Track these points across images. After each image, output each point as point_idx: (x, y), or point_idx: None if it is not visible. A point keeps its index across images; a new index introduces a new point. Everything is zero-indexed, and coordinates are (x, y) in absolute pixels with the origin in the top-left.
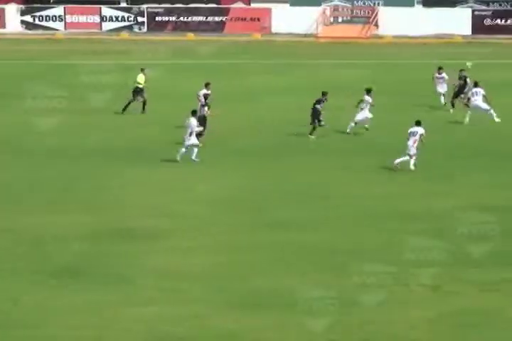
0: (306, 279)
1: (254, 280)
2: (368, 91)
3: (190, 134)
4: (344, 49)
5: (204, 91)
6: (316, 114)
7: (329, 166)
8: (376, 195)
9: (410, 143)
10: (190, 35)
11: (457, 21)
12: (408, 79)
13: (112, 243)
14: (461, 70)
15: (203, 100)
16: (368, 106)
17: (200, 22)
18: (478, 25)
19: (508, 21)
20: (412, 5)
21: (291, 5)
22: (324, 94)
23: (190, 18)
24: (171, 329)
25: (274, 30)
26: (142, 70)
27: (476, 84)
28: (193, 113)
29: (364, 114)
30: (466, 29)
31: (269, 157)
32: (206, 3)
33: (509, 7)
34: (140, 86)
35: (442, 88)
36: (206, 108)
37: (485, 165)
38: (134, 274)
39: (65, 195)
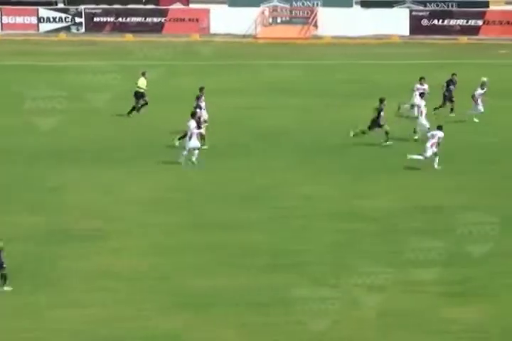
0: (237, 280)
1: (187, 280)
2: (421, 95)
3: (190, 137)
4: (283, 50)
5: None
6: (379, 120)
7: (276, 166)
8: (326, 196)
9: (428, 145)
10: (129, 36)
11: (395, 22)
12: (347, 80)
13: (42, 245)
14: (453, 74)
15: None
16: (423, 112)
17: (138, 23)
18: (415, 26)
19: (445, 22)
20: (350, 5)
21: (229, 5)
22: (382, 100)
23: (128, 19)
24: (99, 330)
25: (212, 30)
26: (143, 74)
27: (481, 84)
28: (192, 115)
29: (422, 121)
30: (404, 29)
31: (216, 157)
32: (144, 4)
33: (446, 8)
34: (141, 90)
35: (418, 100)
36: (204, 111)
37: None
38: (62, 276)
39: (5, 196)
